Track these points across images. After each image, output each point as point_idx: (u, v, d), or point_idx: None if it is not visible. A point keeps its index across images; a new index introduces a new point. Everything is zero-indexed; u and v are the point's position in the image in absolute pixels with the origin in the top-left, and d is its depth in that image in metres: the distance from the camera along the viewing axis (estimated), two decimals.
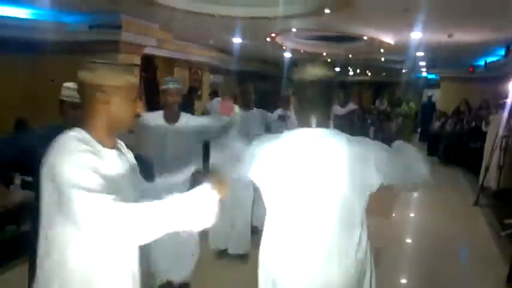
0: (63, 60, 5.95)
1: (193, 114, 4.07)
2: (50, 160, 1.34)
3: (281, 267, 1.66)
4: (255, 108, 4.36)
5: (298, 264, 1.63)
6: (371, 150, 1.60)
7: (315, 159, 1.58)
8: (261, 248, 1.74)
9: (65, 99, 2.38)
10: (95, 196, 1.24)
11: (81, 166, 1.29)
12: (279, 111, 4.73)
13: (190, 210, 1.32)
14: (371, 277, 1.81)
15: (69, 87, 2.35)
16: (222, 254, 4.11)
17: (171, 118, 3.17)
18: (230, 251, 4.08)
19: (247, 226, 4.11)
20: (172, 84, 3.14)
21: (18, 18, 5.33)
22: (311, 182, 1.59)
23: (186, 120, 3.21)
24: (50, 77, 6.12)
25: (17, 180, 4.64)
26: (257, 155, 1.66)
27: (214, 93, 8.85)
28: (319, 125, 1.61)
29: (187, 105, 7.51)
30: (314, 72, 1.58)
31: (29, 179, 5.16)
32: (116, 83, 1.45)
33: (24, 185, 4.78)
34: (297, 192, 1.61)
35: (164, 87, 3.16)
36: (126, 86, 1.47)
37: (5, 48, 5.71)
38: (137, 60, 6.39)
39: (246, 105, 4.17)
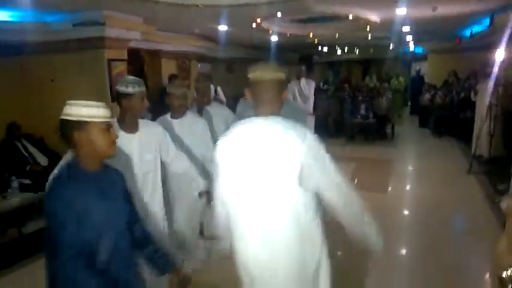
0: (50, 60, 5.93)
1: None
2: None
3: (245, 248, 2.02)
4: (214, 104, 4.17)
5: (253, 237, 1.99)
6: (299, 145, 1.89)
7: (259, 144, 1.93)
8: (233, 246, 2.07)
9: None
10: None
11: None
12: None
13: None
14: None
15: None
16: None
17: (131, 127, 2.71)
18: None
19: None
20: (133, 88, 2.60)
21: (0, 20, 5.28)
22: (258, 167, 1.93)
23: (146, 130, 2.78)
24: (38, 78, 6.12)
25: (14, 183, 4.67)
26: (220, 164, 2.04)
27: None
28: (270, 114, 1.96)
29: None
30: (264, 74, 1.95)
31: (27, 181, 5.21)
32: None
33: (24, 188, 4.82)
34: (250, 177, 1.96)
35: (122, 90, 2.61)
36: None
37: None
38: (123, 54, 6.37)
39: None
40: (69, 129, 1.77)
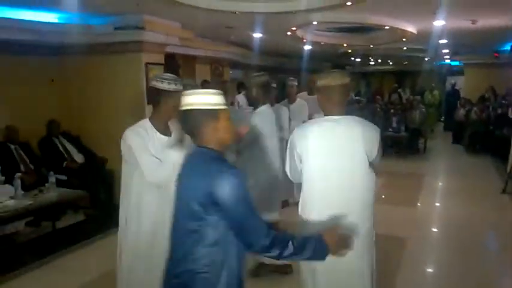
0: (92, 61, 6.14)
1: None
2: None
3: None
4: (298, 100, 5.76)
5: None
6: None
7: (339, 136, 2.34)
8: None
9: None
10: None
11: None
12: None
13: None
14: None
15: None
16: None
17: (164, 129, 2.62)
18: None
19: None
20: (175, 85, 2.49)
21: (46, 22, 5.49)
22: (338, 156, 2.31)
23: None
24: (80, 79, 6.34)
25: (52, 178, 4.84)
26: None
27: (240, 86, 9.27)
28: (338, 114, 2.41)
29: None
30: (333, 80, 2.37)
31: (63, 177, 5.40)
32: None
33: (59, 183, 4.99)
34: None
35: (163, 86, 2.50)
36: None
37: (35, 52, 5.92)
38: (160, 58, 6.52)
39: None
40: (199, 118, 1.71)
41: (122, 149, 2.55)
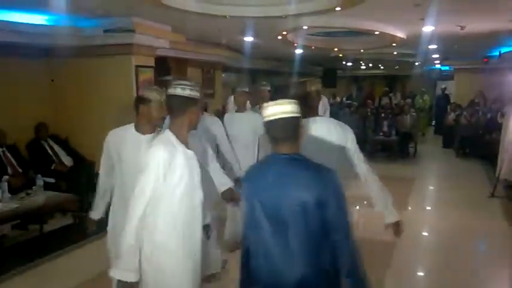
0: (79, 64, 6.11)
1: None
2: None
3: None
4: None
5: None
6: None
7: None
8: None
9: None
10: None
11: None
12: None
13: None
14: None
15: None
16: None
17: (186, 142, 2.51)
18: None
19: None
20: (191, 90, 2.29)
21: (36, 24, 5.46)
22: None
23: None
24: (69, 81, 6.31)
25: (39, 181, 4.80)
26: None
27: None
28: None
29: None
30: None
31: (51, 180, 5.35)
32: None
33: (47, 186, 4.95)
34: None
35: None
36: None
37: (24, 55, 5.88)
38: (151, 61, 6.51)
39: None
40: (295, 125, 1.86)
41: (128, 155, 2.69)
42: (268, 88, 5.19)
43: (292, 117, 1.82)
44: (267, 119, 1.84)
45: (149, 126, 2.76)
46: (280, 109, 1.82)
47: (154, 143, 2.21)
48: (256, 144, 4.50)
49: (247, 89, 4.67)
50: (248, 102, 4.85)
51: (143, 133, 2.74)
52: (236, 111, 4.66)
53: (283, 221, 1.76)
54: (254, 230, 1.85)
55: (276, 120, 1.81)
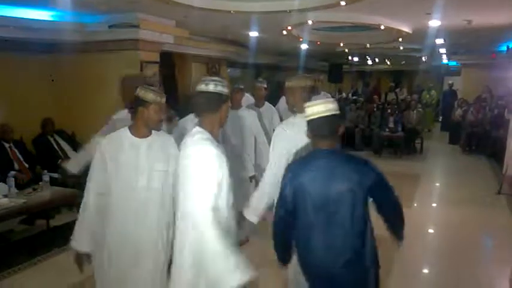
0: (87, 59, 6.13)
1: None
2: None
3: None
4: (266, 103, 5.14)
5: None
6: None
7: None
8: None
9: None
10: None
11: None
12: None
13: None
14: None
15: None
16: None
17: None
18: None
19: None
20: (223, 87, 2.24)
21: (41, 20, 5.49)
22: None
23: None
24: (74, 76, 6.33)
25: (46, 176, 4.83)
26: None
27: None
28: None
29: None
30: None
31: (57, 175, 5.39)
32: None
33: (53, 182, 4.98)
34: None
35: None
36: None
37: (29, 50, 5.91)
38: (156, 57, 6.52)
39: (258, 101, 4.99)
40: (336, 123, 2.13)
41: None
42: (265, 85, 5.15)
43: (332, 115, 2.08)
44: (310, 118, 2.10)
45: (146, 129, 2.51)
46: (322, 108, 2.07)
47: (195, 144, 2.10)
48: (253, 143, 4.44)
49: (242, 86, 4.60)
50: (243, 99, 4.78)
51: (140, 136, 2.50)
52: (231, 108, 4.58)
53: (332, 208, 2.04)
54: (301, 217, 2.12)
55: (319, 118, 2.07)
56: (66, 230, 5.14)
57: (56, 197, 4.73)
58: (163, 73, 7.18)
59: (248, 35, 8.32)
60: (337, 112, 2.11)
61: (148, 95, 2.44)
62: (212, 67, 9.87)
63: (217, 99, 2.17)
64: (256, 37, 8.54)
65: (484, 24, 7.06)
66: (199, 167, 2.03)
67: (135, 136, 2.50)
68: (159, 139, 2.56)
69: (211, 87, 2.15)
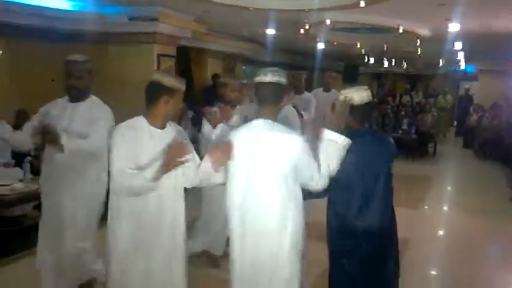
0: (104, 50, 6.20)
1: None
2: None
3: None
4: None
5: None
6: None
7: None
8: None
9: None
10: None
11: None
12: None
13: None
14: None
15: None
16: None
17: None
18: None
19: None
20: (283, 77, 2.26)
21: (62, 9, 5.55)
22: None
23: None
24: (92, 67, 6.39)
25: None
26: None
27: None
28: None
29: (212, 96, 6.96)
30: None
31: None
32: None
33: None
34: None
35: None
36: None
37: (48, 39, 5.98)
38: (173, 50, 6.57)
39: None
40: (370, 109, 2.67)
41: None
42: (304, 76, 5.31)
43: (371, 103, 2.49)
44: (357, 103, 2.35)
45: (164, 120, 2.35)
46: (366, 94, 2.42)
47: (276, 132, 2.19)
48: None
49: (245, 81, 4.43)
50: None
51: (158, 127, 2.33)
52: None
53: (369, 181, 2.37)
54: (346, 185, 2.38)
55: (364, 104, 2.39)
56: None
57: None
58: (179, 67, 7.22)
59: (265, 32, 8.33)
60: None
61: (176, 82, 2.33)
62: (228, 63, 9.91)
63: (282, 89, 2.23)
64: (273, 35, 8.54)
65: (503, 30, 6.97)
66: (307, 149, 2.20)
67: (153, 126, 2.32)
68: (173, 130, 2.42)
69: (277, 78, 2.20)
